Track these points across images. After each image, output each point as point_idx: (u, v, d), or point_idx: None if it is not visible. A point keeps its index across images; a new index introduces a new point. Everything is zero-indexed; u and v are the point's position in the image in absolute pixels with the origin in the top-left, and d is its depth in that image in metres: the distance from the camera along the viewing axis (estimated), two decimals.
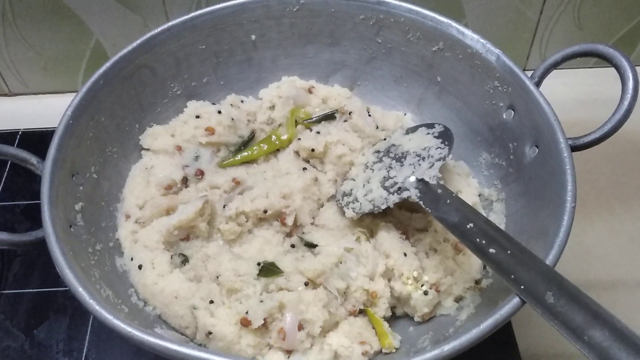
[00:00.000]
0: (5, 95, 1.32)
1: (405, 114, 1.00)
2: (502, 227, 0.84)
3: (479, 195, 0.90)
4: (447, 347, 0.58)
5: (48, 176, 0.72)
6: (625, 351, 0.53)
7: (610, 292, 1.06)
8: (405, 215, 0.86)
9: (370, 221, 0.85)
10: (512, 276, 0.63)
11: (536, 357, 0.94)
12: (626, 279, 1.07)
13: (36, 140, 1.16)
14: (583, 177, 1.20)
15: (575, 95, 1.30)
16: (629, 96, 0.74)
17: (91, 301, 0.62)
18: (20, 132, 1.19)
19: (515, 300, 0.62)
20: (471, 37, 0.87)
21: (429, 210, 0.76)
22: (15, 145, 1.15)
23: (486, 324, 0.60)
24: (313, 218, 0.87)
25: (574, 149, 0.76)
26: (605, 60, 0.77)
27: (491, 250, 0.66)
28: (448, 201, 0.75)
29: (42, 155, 0.77)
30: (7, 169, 1.12)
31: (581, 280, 1.07)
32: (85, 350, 0.91)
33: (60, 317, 0.94)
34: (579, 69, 1.37)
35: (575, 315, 0.57)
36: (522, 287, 0.61)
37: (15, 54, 1.24)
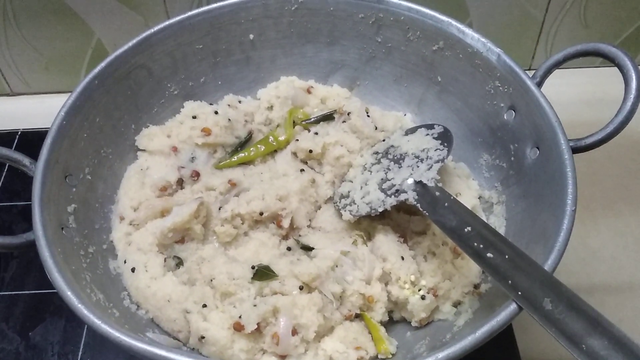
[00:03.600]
0: (7, 95, 1.32)
1: (405, 115, 0.99)
2: (502, 230, 0.82)
3: (479, 198, 0.88)
4: (442, 355, 0.57)
5: (40, 177, 0.72)
6: None
7: (615, 295, 1.04)
8: (404, 218, 0.85)
9: (368, 224, 0.84)
10: (510, 282, 0.61)
11: None
12: (632, 281, 1.05)
13: (35, 140, 1.14)
14: (589, 178, 1.19)
15: (578, 96, 1.28)
16: (632, 97, 0.72)
17: (79, 305, 0.62)
18: (19, 133, 1.18)
19: (513, 306, 0.60)
20: (472, 36, 0.86)
21: (427, 214, 0.74)
22: (14, 145, 1.14)
23: (482, 331, 0.58)
24: (310, 220, 0.86)
25: (576, 150, 0.75)
26: (608, 59, 0.75)
27: (489, 254, 0.65)
28: (446, 204, 0.73)
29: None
30: (5, 170, 1.12)
31: (586, 283, 1.06)
32: (80, 353, 0.90)
33: (55, 320, 0.94)
34: (583, 69, 1.35)
35: (574, 323, 0.56)
36: (520, 293, 0.60)
37: (17, 53, 1.24)
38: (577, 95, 1.28)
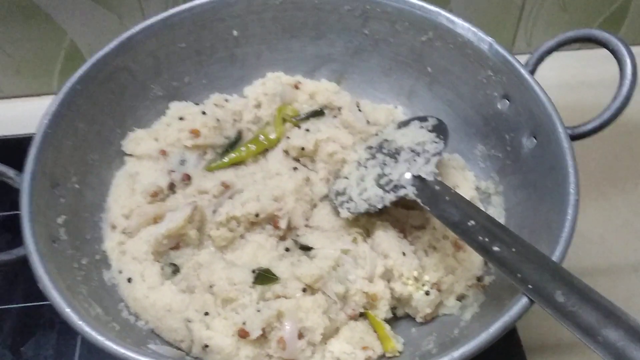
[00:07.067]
0: None
1: (396, 107, 0.97)
2: (502, 221, 0.82)
3: (476, 189, 0.87)
4: (457, 354, 0.56)
5: (27, 190, 0.69)
6: None
7: (606, 277, 1.04)
8: (402, 213, 0.84)
9: (366, 220, 0.82)
10: (519, 275, 0.61)
11: (538, 347, 0.93)
12: (622, 263, 1.06)
13: (13, 148, 1.09)
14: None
15: (562, 80, 1.27)
16: (627, 82, 0.72)
17: (80, 322, 0.60)
18: None
19: (524, 300, 0.60)
20: (462, 26, 0.85)
21: (428, 209, 0.73)
22: None
23: (495, 327, 0.58)
24: (307, 219, 0.84)
25: (573, 138, 0.75)
26: (601, 45, 0.75)
27: (495, 248, 0.64)
28: (447, 198, 0.73)
29: (19, 163, 0.73)
30: None
31: (576, 266, 1.05)
32: None
33: (47, 333, 0.91)
34: (566, 52, 1.35)
35: (587, 315, 0.55)
36: (530, 286, 0.59)
37: None
38: (559, 80, 1.27)
